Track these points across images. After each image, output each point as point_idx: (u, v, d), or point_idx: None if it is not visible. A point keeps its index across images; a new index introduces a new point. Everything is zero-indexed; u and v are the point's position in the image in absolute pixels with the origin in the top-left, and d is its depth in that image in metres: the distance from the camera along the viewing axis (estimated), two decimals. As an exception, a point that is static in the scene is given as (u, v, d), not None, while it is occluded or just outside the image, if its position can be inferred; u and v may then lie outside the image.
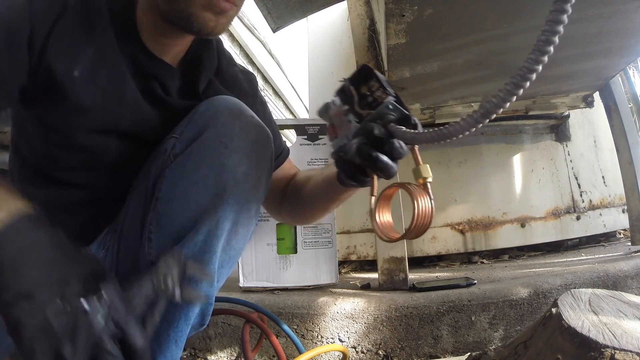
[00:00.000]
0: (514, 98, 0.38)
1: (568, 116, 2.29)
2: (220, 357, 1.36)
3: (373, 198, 0.54)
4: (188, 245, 0.62)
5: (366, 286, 1.60)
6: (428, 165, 0.50)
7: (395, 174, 0.55)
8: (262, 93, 0.93)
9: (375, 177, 0.57)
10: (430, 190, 0.50)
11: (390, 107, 0.52)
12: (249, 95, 0.85)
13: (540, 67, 0.36)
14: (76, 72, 0.64)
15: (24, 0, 0.61)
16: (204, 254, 0.63)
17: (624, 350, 0.57)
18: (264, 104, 0.90)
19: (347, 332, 1.31)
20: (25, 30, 0.60)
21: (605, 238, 2.34)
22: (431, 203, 0.50)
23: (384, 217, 0.54)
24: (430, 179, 0.50)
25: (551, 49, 0.35)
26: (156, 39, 0.70)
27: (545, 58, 0.37)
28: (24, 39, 0.60)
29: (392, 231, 0.54)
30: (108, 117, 0.68)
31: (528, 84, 0.38)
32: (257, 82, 0.90)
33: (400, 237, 0.52)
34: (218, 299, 1.21)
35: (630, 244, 1.94)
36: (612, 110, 1.97)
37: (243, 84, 0.86)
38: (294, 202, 0.87)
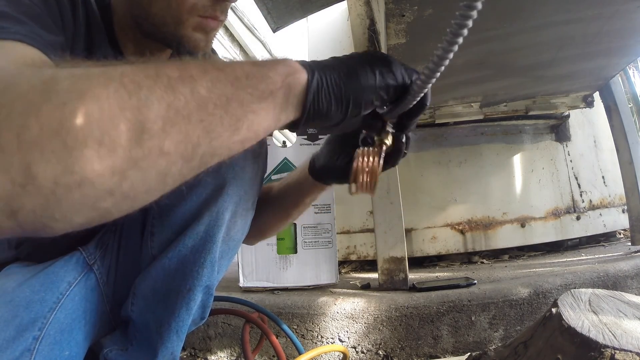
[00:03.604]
0: (430, 84, 0.45)
1: (568, 116, 2.29)
2: (220, 357, 1.36)
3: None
4: (190, 236, 0.64)
5: (366, 286, 1.60)
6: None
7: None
8: None
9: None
10: (382, 150, 0.54)
11: None
12: None
13: (451, 54, 0.41)
14: None
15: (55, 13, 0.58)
16: (205, 243, 0.64)
17: (624, 350, 0.57)
18: None
19: (347, 332, 1.31)
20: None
21: (605, 238, 2.34)
22: (378, 159, 0.54)
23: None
24: (388, 142, 0.54)
25: (464, 31, 0.38)
26: (137, 55, 0.70)
27: (456, 47, 0.41)
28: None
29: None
30: None
31: (442, 68, 0.43)
32: None
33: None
34: (218, 299, 1.21)
35: (630, 244, 1.94)
36: (612, 110, 1.97)
37: None
38: (261, 208, 0.82)
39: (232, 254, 0.72)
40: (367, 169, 0.54)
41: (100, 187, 0.32)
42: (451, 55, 0.42)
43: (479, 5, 0.35)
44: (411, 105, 0.50)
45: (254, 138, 0.41)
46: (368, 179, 0.54)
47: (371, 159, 0.54)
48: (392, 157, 0.58)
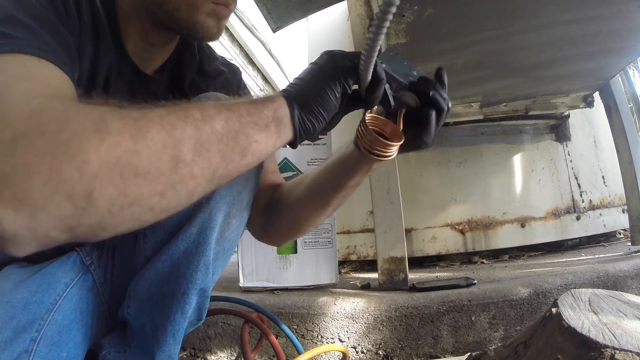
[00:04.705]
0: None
1: (568, 116, 2.29)
2: (220, 357, 1.36)
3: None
4: (182, 238, 0.63)
5: (366, 286, 1.60)
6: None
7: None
8: (261, 93, 0.93)
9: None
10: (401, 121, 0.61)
11: None
12: (234, 86, 0.85)
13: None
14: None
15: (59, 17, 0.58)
16: (198, 246, 0.64)
17: (624, 350, 0.57)
18: (249, 93, 0.89)
19: (347, 332, 1.31)
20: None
21: (605, 238, 2.34)
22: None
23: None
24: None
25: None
26: (144, 48, 0.70)
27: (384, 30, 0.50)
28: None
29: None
30: None
31: (378, 47, 0.53)
32: (240, 73, 0.90)
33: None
34: (218, 299, 1.21)
35: (630, 244, 1.94)
36: (612, 110, 1.97)
37: (227, 77, 0.85)
38: (283, 209, 0.78)
39: (227, 255, 0.71)
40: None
41: (145, 205, 0.41)
42: (381, 39, 0.51)
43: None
44: (367, 83, 0.59)
45: (257, 160, 0.52)
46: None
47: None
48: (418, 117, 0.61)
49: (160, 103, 0.46)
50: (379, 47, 0.53)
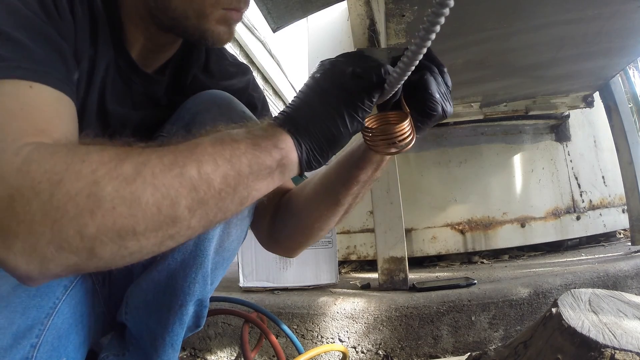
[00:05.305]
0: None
1: (568, 116, 2.29)
2: (220, 357, 1.36)
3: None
4: (178, 250, 0.61)
5: (366, 286, 1.60)
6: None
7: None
8: (263, 93, 0.90)
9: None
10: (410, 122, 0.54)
11: None
12: (241, 88, 0.82)
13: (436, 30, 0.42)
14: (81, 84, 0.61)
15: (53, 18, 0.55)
16: (195, 258, 0.62)
17: (624, 350, 0.57)
18: (259, 93, 0.86)
19: (347, 332, 1.31)
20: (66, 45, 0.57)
21: (605, 238, 2.34)
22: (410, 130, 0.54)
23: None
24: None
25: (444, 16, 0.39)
26: (150, 49, 0.68)
27: (428, 43, 0.44)
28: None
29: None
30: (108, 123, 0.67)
31: (414, 66, 0.47)
32: (251, 72, 0.86)
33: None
34: (218, 299, 1.22)
35: (630, 244, 1.94)
36: (612, 110, 1.97)
37: (234, 77, 0.82)
38: (291, 213, 0.74)
39: (227, 264, 0.69)
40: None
41: (145, 252, 0.44)
42: (421, 56, 0.45)
43: (452, 3, 0.36)
44: (389, 95, 0.53)
45: (255, 200, 0.51)
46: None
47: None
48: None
49: (156, 150, 0.45)
50: (418, 62, 0.47)
